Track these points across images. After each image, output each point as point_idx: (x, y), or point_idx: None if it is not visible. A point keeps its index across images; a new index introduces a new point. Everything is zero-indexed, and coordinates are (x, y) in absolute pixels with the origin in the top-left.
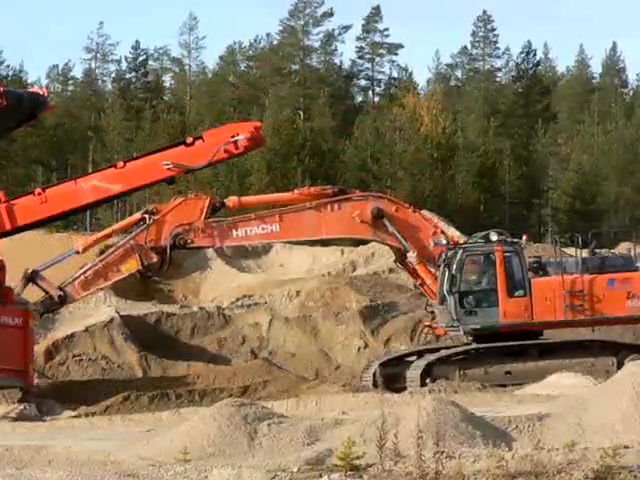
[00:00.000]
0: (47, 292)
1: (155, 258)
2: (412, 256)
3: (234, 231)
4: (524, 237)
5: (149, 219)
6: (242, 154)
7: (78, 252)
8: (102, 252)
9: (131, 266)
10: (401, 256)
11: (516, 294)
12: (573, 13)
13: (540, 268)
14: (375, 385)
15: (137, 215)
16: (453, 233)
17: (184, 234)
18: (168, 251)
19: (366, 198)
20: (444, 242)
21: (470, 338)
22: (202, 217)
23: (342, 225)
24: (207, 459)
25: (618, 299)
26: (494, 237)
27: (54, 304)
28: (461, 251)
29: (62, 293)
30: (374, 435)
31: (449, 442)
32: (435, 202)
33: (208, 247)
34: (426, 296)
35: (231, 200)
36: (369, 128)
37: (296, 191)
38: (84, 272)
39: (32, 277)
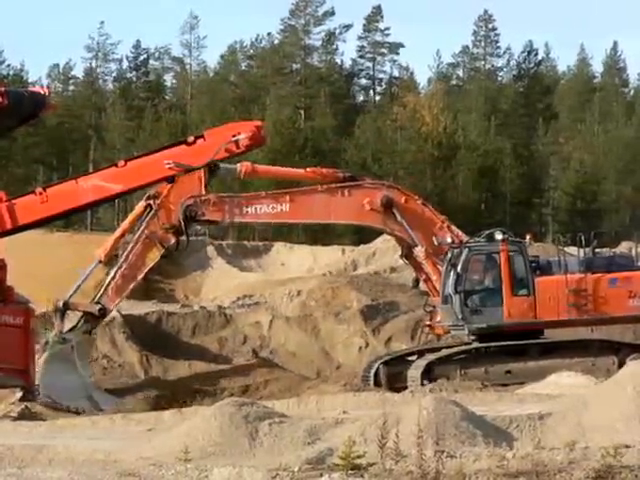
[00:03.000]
0: (86, 312)
1: (173, 238)
2: (420, 250)
3: (244, 208)
4: (528, 236)
5: (154, 204)
6: (243, 153)
7: (101, 262)
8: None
9: (154, 255)
10: (407, 250)
11: (520, 293)
12: (574, 13)
13: (538, 267)
14: (376, 384)
15: (141, 205)
16: (457, 231)
17: (194, 206)
18: (183, 225)
19: (377, 186)
20: (449, 241)
21: (473, 337)
22: (202, 186)
23: (351, 211)
24: (208, 458)
25: (620, 298)
26: (499, 236)
27: (96, 319)
28: (466, 250)
29: (101, 306)
30: (375, 434)
31: (450, 441)
32: (436, 201)
33: (217, 222)
34: (427, 294)
35: (244, 165)
36: (370, 127)
37: (309, 169)
38: (112, 278)
39: (65, 307)
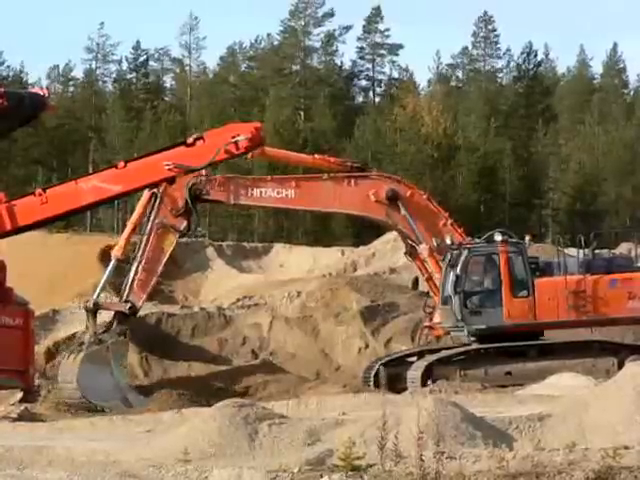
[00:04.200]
0: (117, 311)
1: (184, 221)
2: (424, 248)
3: (249, 190)
4: (527, 237)
5: (159, 191)
6: (242, 154)
7: (119, 259)
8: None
9: (170, 242)
10: (411, 248)
11: (519, 294)
12: (573, 14)
13: (537, 268)
14: (376, 385)
15: (146, 194)
16: (460, 230)
17: (199, 184)
18: (190, 203)
19: (384, 178)
20: (448, 242)
21: (472, 338)
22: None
23: (356, 201)
24: (208, 460)
25: (620, 299)
26: (498, 237)
27: (127, 318)
28: (466, 251)
29: (130, 304)
30: (375, 435)
31: (450, 443)
32: (435, 202)
33: (221, 202)
34: (427, 295)
35: None
36: (369, 129)
37: (317, 156)
38: (135, 274)
39: (96, 307)
